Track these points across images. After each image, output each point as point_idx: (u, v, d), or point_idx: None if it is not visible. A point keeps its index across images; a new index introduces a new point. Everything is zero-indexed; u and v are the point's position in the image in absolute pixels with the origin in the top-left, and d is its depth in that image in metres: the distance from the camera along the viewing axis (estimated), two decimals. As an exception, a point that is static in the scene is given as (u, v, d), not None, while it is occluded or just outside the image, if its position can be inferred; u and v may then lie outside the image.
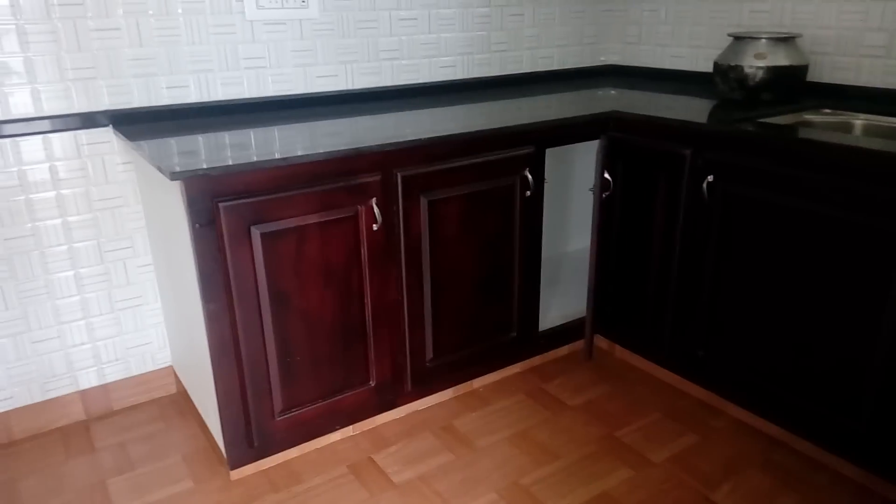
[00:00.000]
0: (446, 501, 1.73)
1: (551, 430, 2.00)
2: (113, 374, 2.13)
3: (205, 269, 1.58)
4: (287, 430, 1.83)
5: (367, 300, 1.85)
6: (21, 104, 1.81)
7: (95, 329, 2.06)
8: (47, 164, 1.88)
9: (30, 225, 1.89)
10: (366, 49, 2.30)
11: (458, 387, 2.18)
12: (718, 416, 2.05)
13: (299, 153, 1.61)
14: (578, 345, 2.43)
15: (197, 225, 1.55)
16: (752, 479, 1.79)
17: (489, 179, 1.97)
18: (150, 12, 1.90)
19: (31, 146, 1.84)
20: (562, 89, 2.58)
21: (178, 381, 2.23)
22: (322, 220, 1.70)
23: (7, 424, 2.00)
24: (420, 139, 1.78)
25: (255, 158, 1.57)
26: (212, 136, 1.80)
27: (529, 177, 2.04)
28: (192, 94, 2.03)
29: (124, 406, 2.17)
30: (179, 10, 1.94)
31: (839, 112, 2.08)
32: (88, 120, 1.89)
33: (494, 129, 1.90)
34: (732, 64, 2.15)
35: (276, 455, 1.86)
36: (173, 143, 1.72)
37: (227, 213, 1.57)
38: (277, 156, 1.59)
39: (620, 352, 2.39)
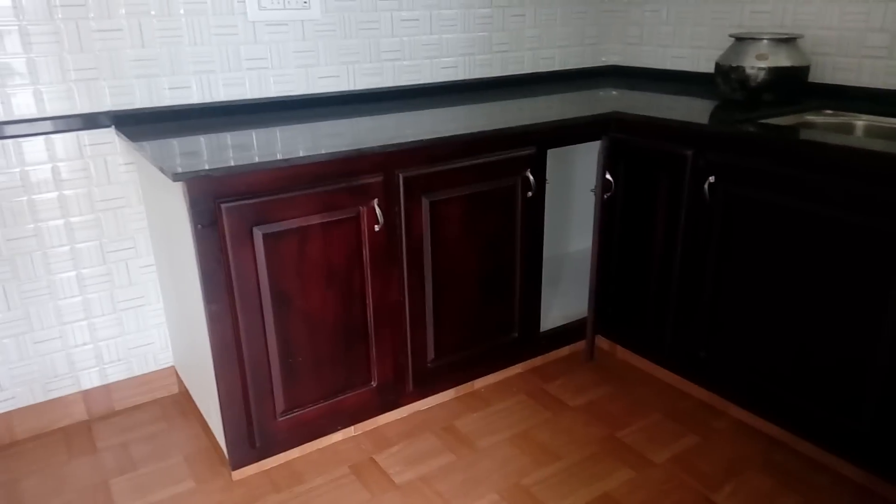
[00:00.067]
0: (447, 502, 1.73)
1: (552, 431, 2.00)
2: (115, 375, 2.13)
3: (207, 269, 1.59)
4: (289, 431, 1.84)
5: (369, 301, 1.85)
6: (24, 105, 1.81)
7: (97, 329, 2.06)
8: (50, 165, 1.88)
9: (32, 225, 1.90)
10: (367, 50, 2.30)
11: (459, 387, 2.18)
12: (719, 416, 2.05)
13: (301, 154, 1.62)
14: (580, 345, 2.43)
15: (199, 226, 1.55)
16: (754, 479, 1.79)
17: (491, 180, 1.97)
18: (153, 13, 1.90)
19: (34, 147, 1.85)
20: (563, 90, 2.59)
21: (180, 382, 2.23)
22: (324, 220, 1.71)
23: (9, 424, 2.00)
24: (422, 140, 1.78)
25: (257, 159, 1.57)
26: (214, 137, 1.81)
27: (531, 177, 2.04)
28: (195, 94, 2.03)
29: (126, 406, 2.17)
30: (181, 11, 1.94)
31: (841, 113, 2.08)
32: (91, 121, 1.90)
33: (496, 129, 1.90)
34: (734, 65, 2.15)
35: (277, 455, 1.87)
36: (175, 144, 1.72)
37: (230, 213, 1.57)
38: (279, 157, 1.60)
39: (622, 352, 2.39)
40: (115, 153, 1.96)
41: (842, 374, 1.69)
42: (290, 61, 2.16)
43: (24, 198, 1.87)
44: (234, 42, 2.05)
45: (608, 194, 2.19)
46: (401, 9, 2.32)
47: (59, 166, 1.89)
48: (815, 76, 2.22)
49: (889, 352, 1.58)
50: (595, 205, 2.18)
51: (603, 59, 2.93)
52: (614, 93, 2.50)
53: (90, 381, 2.09)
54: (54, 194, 1.90)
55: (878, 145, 1.57)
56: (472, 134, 1.86)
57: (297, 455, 1.90)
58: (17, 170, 1.84)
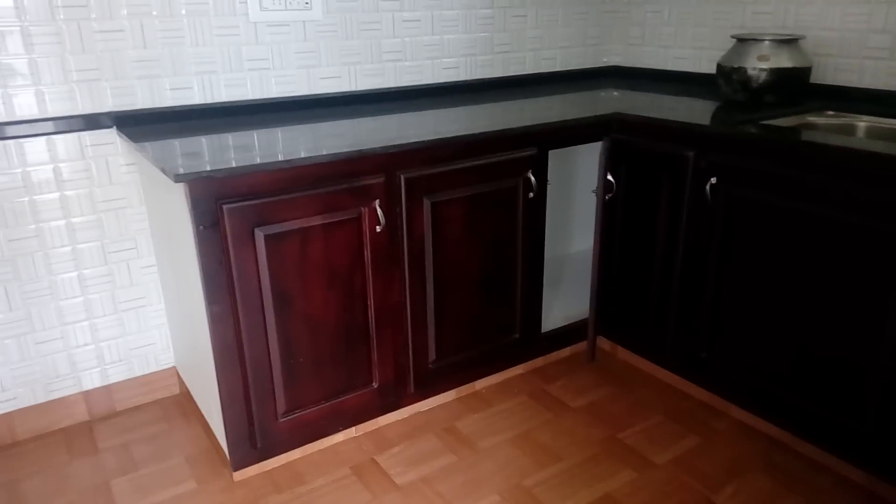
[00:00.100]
0: (448, 503, 1.73)
1: (554, 432, 2.00)
2: (116, 375, 2.13)
3: (209, 270, 1.59)
4: (290, 432, 1.84)
5: (370, 302, 1.85)
6: (25, 105, 1.81)
7: (99, 330, 2.06)
8: (51, 166, 1.88)
9: (33, 226, 1.90)
10: (369, 50, 2.30)
11: (460, 388, 2.18)
12: (721, 417, 2.05)
13: (303, 155, 1.62)
14: (581, 346, 2.43)
15: (201, 227, 1.55)
16: (755, 481, 1.79)
17: (492, 181, 1.97)
18: (154, 13, 1.90)
19: (36, 147, 1.85)
20: (564, 90, 2.59)
21: (182, 382, 2.23)
22: (325, 221, 1.71)
23: (11, 425, 2.00)
24: (423, 141, 1.78)
25: (258, 160, 1.57)
26: (215, 138, 1.81)
27: (532, 178, 2.04)
28: (196, 95, 2.03)
29: (127, 407, 2.17)
30: (183, 12, 1.94)
31: (842, 114, 2.08)
32: (92, 121, 1.90)
33: (497, 130, 1.90)
34: (735, 66, 2.15)
35: (279, 456, 1.87)
36: (177, 145, 1.72)
37: (231, 214, 1.57)
38: (281, 158, 1.60)
39: (623, 353, 2.39)
40: (117, 154, 1.96)
41: (843, 375, 1.68)
42: (291, 62, 2.16)
43: (26, 198, 1.87)
44: (236, 43, 2.05)
45: (609, 195, 2.19)
46: (402, 9, 2.32)
47: (60, 167, 1.89)
48: (817, 77, 2.21)
49: (890, 352, 1.58)
50: (596, 206, 2.18)
51: (604, 59, 2.93)
52: (616, 93, 2.50)
53: (91, 381, 2.10)
54: (56, 195, 1.90)
55: (879, 147, 1.57)
56: (473, 135, 1.86)
57: (298, 456, 1.90)
58: (19, 170, 1.84)
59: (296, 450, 1.90)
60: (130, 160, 1.98)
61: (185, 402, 2.19)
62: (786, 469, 1.83)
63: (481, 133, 1.87)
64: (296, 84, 2.19)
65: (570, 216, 2.94)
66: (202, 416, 2.07)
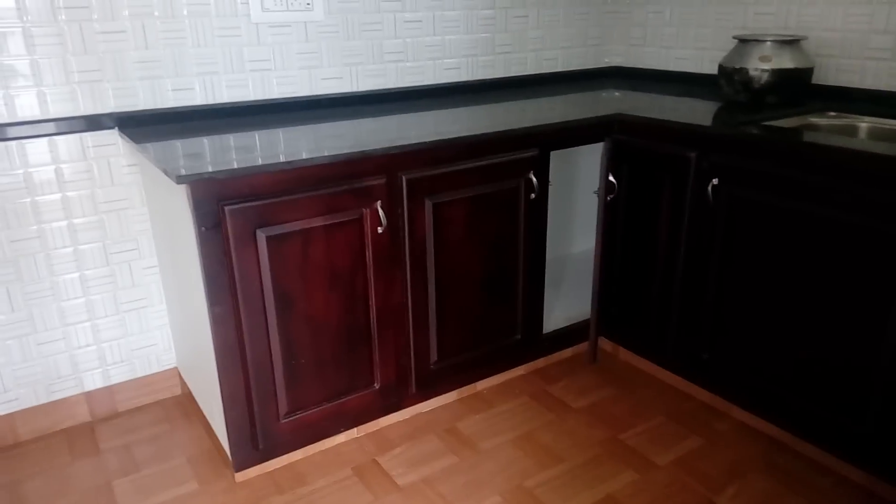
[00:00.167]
0: (451, 504, 1.74)
1: (555, 433, 2.00)
2: (118, 376, 2.13)
3: (211, 272, 1.59)
4: (292, 433, 1.84)
5: (372, 303, 1.85)
6: (27, 106, 1.81)
7: (101, 331, 2.07)
8: (53, 167, 1.88)
9: (35, 227, 1.90)
10: (371, 51, 2.30)
11: (462, 389, 2.18)
12: (723, 418, 2.05)
13: (304, 156, 1.62)
14: (582, 347, 2.43)
15: (203, 228, 1.55)
16: (757, 482, 1.79)
17: (494, 182, 1.97)
18: (156, 13, 1.90)
19: (37, 148, 1.85)
20: (566, 91, 2.58)
21: (183, 383, 2.23)
22: (327, 222, 1.71)
23: (12, 426, 2.00)
24: (425, 142, 1.78)
25: (260, 161, 1.57)
26: (217, 139, 1.81)
27: (534, 179, 2.04)
28: (198, 96, 2.03)
29: (129, 408, 2.17)
30: (185, 13, 1.94)
31: (844, 115, 2.08)
32: (94, 122, 1.90)
33: (499, 131, 1.90)
34: (737, 66, 2.15)
35: (280, 457, 1.87)
36: (179, 146, 1.72)
37: (233, 216, 1.57)
38: (283, 159, 1.60)
39: (625, 354, 2.39)
40: (119, 155, 1.96)
41: (845, 376, 1.68)
42: (293, 63, 2.16)
43: (28, 199, 1.87)
44: (238, 43, 2.05)
45: (611, 196, 2.18)
46: (404, 10, 2.32)
47: (62, 168, 1.89)
48: (819, 78, 2.21)
49: (892, 354, 1.58)
50: (598, 206, 2.18)
51: (606, 60, 2.93)
52: (617, 94, 2.50)
53: (93, 382, 2.10)
54: (57, 196, 1.91)
55: (881, 148, 1.57)
56: (475, 136, 1.86)
57: (299, 457, 1.90)
58: (21, 171, 1.84)
59: (297, 451, 1.90)
60: (132, 161, 1.98)
61: (186, 403, 2.19)
62: (787, 470, 1.83)
63: (483, 134, 1.87)
64: (297, 85, 2.19)
65: (572, 217, 2.94)
66: (204, 416, 2.08)
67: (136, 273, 2.07)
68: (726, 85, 2.22)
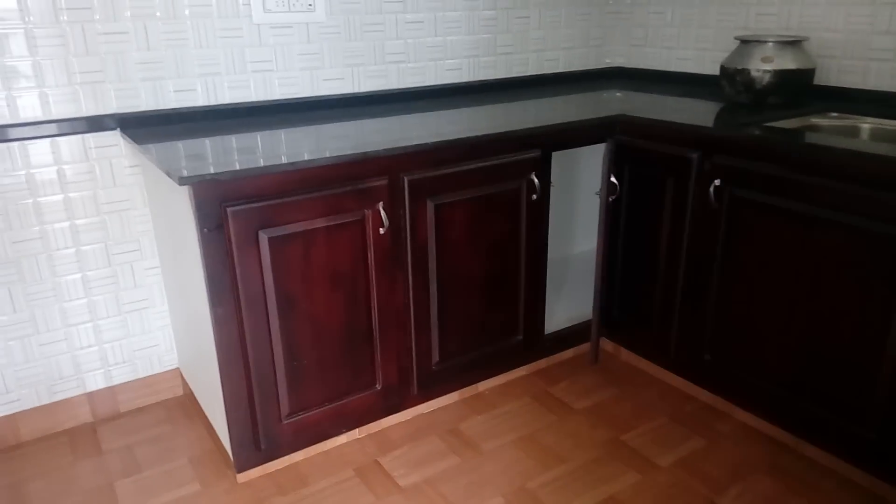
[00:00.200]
0: (453, 505, 1.73)
1: (557, 434, 2.00)
2: (120, 377, 2.13)
3: (213, 273, 1.59)
4: (294, 433, 1.84)
5: (374, 304, 1.85)
6: (29, 107, 1.81)
7: (102, 331, 2.07)
8: (55, 168, 1.88)
9: (37, 228, 1.90)
10: (372, 52, 2.30)
11: (463, 390, 2.18)
12: (725, 420, 2.05)
13: (306, 157, 1.62)
14: (584, 348, 2.43)
15: (205, 230, 1.55)
16: (759, 483, 1.79)
17: (495, 183, 1.97)
18: (158, 15, 1.91)
19: (39, 149, 1.85)
20: (567, 92, 2.58)
21: (185, 384, 2.23)
22: (329, 224, 1.71)
23: (15, 426, 2.00)
24: (427, 143, 1.78)
25: (262, 163, 1.57)
26: (219, 140, 1.81)
27: (536, 180, 2.04)
28: (200, 97, 2.03)
29: (131, 408, 2.17)
30: (186, 14, 1.94)
31: (846, 116, 2.08)
32: (96, 123, 1.90)
33: (500, 133, 1.90)
34: (739, 67, 2.15)
35: (282, 458, 1.87)
36: (181, 147, 1.72)
37: (235, 217, 1.57)
38: (285, 160, 1.60)
39: (626, 355, 2.39)
40: (121, 156, 1.96)
41: (847, 378, 1.68)
42: (294, 63, 2.16)
43: (30, 200, 1.87)
44: (240, 44, 2.05)
45: (613, 197, 2.18)
46: (405, 11, 2.32)
47: (64, 169, 1.89)
48: (821, 79, 2.21)
49: (895, 355, 1.57)
50: (600, 207, 2.18)
51: (607, 60, 2.93)
52: (619, 95, 2.50)
53: (95, 383, 2.10)
54: (59, 197, 1.91)
55: (883, 149, 1.57)
56: (476, 137, 1.86)
57: (301, 458, 1.90)
58: (23, 172, 1.84)
59: (299, 451, 1.90)
60: (134, 162, 1.98)
61: (188, 404, 2.19)
62: (789, 471, 1.83)
63: (484, 135, 1.87)
64: (299, 86, 2.19)
65: (574, 218, 2.94)
66: (206, 417, 2.08)
67: (137, 274, 2.07)
68: (728, 86, 2.22)
